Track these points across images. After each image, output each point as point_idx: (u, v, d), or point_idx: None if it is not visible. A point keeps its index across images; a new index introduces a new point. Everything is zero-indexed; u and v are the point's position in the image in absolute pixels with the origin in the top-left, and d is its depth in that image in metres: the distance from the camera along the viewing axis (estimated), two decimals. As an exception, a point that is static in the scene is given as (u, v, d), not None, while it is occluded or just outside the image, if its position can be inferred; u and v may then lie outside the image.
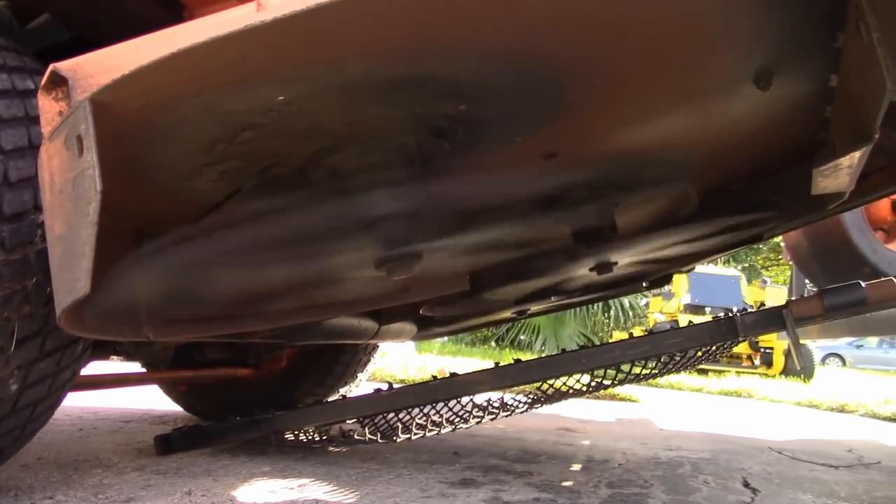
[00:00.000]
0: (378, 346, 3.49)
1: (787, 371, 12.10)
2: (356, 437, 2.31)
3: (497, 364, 2.24)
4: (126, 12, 1.64)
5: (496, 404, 2.51)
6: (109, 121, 1.02)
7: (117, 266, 1.27)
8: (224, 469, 2.18)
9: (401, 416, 2.42)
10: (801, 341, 2.15)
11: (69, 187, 1.04)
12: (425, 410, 2.41)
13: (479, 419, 2.50)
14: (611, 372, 2.28)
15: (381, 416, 2.38)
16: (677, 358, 2.26)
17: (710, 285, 13.51)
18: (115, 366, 3.11)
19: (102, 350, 2.39)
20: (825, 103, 1.46)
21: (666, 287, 12.62)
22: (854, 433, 4.68)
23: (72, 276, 1.05)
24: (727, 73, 1.36)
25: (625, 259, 2.37)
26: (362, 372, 3.42)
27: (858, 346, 23.25)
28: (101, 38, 1.59)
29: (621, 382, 2.42)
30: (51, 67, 1.07)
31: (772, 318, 2.02)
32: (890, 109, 1.09)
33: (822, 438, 4.22)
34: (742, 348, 12.09)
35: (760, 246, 22.35)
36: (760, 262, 26.82)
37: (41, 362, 1.41)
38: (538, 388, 2.51)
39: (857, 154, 1.27)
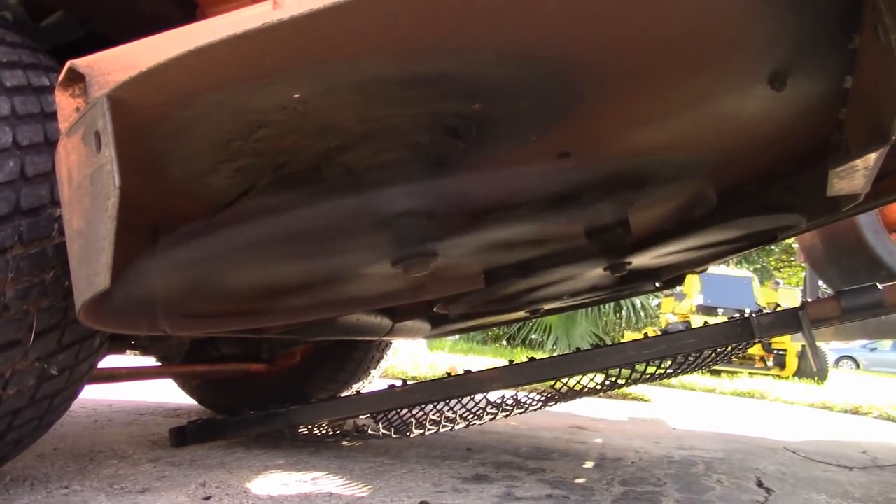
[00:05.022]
0: (391, 344, 3.50)
1: (800, 373, 12.04)
2: (370, 432, 2.32)
3: (511, 362, 2.24)
4: (139, 10, 1.65)
5: (510, 402, 2.52)
6: (126, 117, 1.03)
7: (134, 261, 1.29)
8: (238, 462, 2.19)
9: (414, 412, 2.43)
10: (816, 343, 2.14)
11: (87, 182, 1.05)
12: (439, 407, 2.42)
13: (492, 416, 2.51)
14: (625, 371, 2.28)
15: (394, 412, 2.38)
16: (692, 358, 2.26)
17: (723, 286, 13.44)
18: (130, 359, 3.14)
19: (119, 344, 2.41)
20: (840, 105, 1.45)
21: (678, 288, 12.59)
22: (868, 435, 4.65)
23: (91, 271, 1.06)
24: (742, 74, 1.35)
25: (638, 258, 2.36)
26: (375, 369, 3.43)
27: (872, 349, 23.11)
28: (113, 35, 1.61)
29: (635, 382, 2.42)
30: (68, 64, 1.08)
31: (788, 320, 2.01)
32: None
33: (837, 440, 4.20)
34: (755, 350, 12.03)
35: (773, 247, 22.24)
36: (773, 263, 26.65)
37: (59, 355, 1.43)
38: (552, 387, 2.51)
39: (872, 156, 1.27)
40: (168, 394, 3.82)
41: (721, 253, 2.60)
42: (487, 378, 2.20)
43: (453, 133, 1.35)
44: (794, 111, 1.54)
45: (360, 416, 2.48)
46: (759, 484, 2.37)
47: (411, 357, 7.59)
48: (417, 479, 2.07)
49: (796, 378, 11.57)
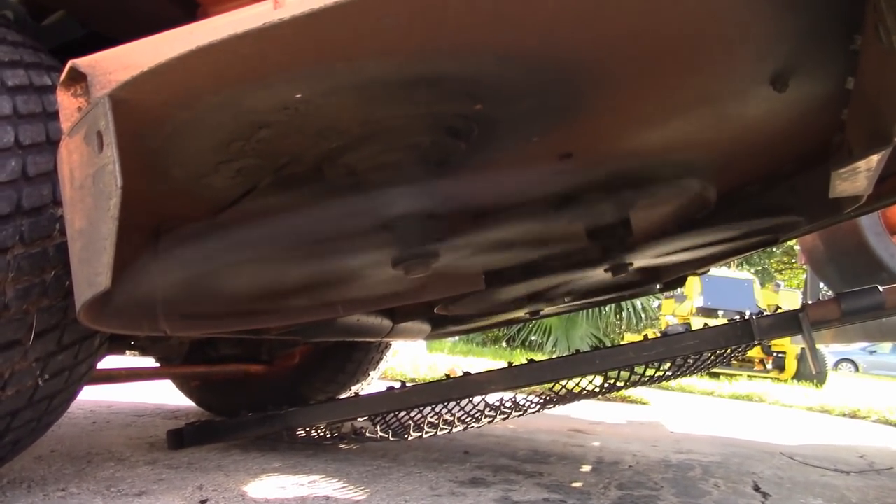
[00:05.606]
0: (391, 345, 3.50)
1: (799, 376, 12.05)
2: (368, 434, 2.32)
3: (510, 364, 2.24)
4: (140, 10, 1.65)
5: (508, 404, 2.51)
6: (128, 117, 1.03)
7: (135, 261, 1.28)
8: (235, 464, 2.19)
9: (412, 414, 2.42)
10: (815, 345, 2.14)
11: (89, 182, 1.04)
12: (437, 409, 2.41)
13: (490, 419, 2.50)
14: (624, 374, 2.27)
15: (393, 415, 2.38)
16: (691, 360, 2.25)
17: (723, 288, 13.46)
18: (128, 360, 3.13)
19: (118, 344, 2.41)
20: (842, 106, 1.45)
21: (678, 290, 12.61)
22: (866, 439, 4.65)
23: (92, 271, 1.06)
24: (744, 75, 1.35)
25: (639, 260, 2.36)
26: (375, 370, 3.43)
27: (871, 352, 23.12)
28: (115, 35, 1.60)
29: (634, 384, 2.41)
30: (70, 63, 1.08)
31: (788, 322, 2.00)
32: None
33: (834, 444, 4.20)
34: (754, 352, 12.05)
35: (774, 249, 22.23)
36: (774, 265, 26.68)
37: (59, 355, 1.42)
38: (550, 389, 2.51)
39: (874, 157, 1.27)
40: (167, 395, 3.82)
41: (723, 254, 2.60)
42: (486, 380, 2.19)
43: (455, 134, 1.35)
44: (795, 112, 1.54)
45: (359, 419, 2.48)
46: (756, 488, 2.37)
47: (410, 359, 7.58)
48: (415, 482, 2.06)
49: (795, 381, 11.59)
